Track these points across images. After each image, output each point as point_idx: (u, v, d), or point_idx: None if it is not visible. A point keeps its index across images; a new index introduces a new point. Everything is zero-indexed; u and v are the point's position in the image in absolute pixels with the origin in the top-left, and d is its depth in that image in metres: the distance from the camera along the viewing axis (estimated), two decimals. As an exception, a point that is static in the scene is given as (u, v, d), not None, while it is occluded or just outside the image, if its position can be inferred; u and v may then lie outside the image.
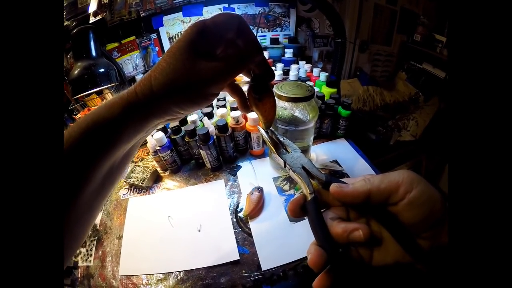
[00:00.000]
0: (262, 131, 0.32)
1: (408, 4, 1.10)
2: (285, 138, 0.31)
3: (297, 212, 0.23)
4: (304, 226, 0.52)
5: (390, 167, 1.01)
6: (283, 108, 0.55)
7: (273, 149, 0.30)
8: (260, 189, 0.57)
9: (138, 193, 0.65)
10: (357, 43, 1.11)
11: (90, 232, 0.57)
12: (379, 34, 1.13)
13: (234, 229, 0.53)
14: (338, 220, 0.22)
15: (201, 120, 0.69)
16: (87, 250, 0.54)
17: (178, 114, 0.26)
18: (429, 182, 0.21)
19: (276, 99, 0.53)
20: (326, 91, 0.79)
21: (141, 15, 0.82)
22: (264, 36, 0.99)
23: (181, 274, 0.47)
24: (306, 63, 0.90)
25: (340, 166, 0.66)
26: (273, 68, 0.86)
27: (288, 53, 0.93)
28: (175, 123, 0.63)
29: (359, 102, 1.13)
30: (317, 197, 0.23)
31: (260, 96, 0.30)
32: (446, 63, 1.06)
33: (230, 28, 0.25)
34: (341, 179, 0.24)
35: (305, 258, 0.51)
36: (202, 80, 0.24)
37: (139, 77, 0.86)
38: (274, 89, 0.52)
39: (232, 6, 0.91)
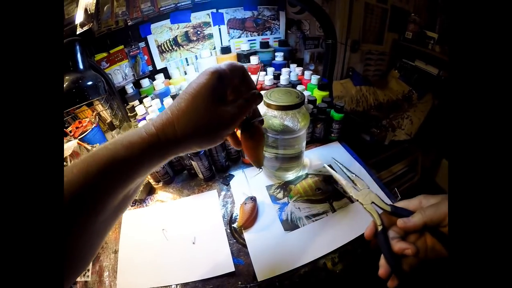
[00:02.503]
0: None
1: (399, 1, 1.10)
2: (354, 174, 0.42)
3: (373, 237, 0.34)
4: (298, 235, 0.52)
5: (386, 166, 1.01)
6: (273, 116, 0.54)
7: (352, 195, 0.40)
8: (253, 199, 0.56)
9: (132, 206, 0.64)
10: (349, 43, 1.11)
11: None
12: (370, 33, 1.13)
13: (228, 240, 0.53)
14: (396, 240, 0.32)
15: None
16: (82, 267, 0.54)
17: (195, 151, 0.31)
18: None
19: (266, 107, 0.53)
20: (318, 94, 0.78)
21: (129, 23, 0.81)
22: (253, 40, 0.98)
23: (177, 288, 0.47)
24: (297, 66, 0.89)
25: (334, 171, 0.66)
26: (264, 72, 0.85)
27: (279, 57, 0.92)
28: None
29: (352, 103, 1.13)
30: (386, 228, 0.34)
31: (250, 133, 0.33)
32: (438, 59, 1.06)
33: (239, 75, 0.29)
34: (398, 203, 0.35)
35: (301, 267, 0.51)
36: (223, 123, 0.27)
37: (129, 87, 0.84)
38: (264, 97, 0.52)
39: (220, 11, 0.90)
